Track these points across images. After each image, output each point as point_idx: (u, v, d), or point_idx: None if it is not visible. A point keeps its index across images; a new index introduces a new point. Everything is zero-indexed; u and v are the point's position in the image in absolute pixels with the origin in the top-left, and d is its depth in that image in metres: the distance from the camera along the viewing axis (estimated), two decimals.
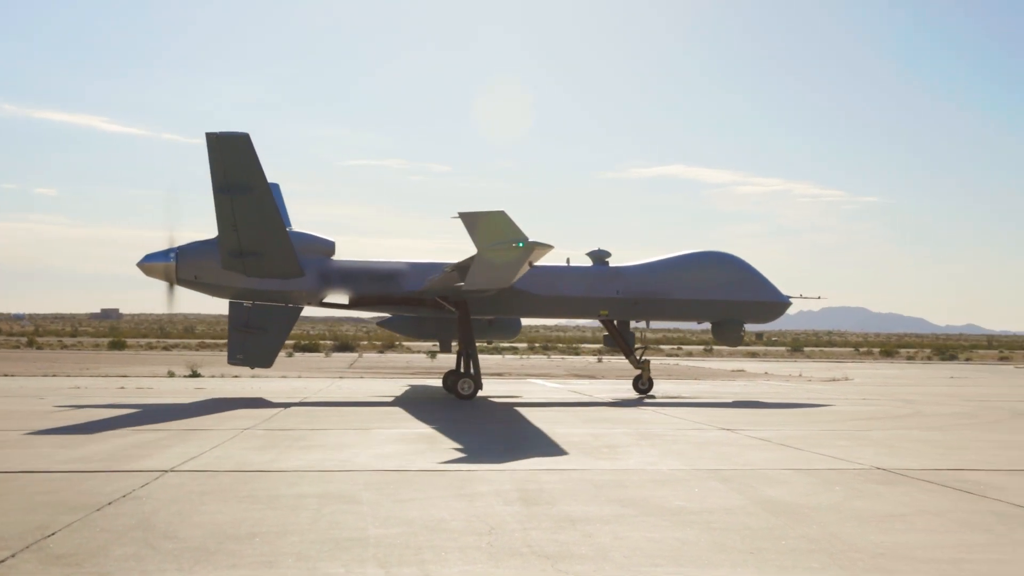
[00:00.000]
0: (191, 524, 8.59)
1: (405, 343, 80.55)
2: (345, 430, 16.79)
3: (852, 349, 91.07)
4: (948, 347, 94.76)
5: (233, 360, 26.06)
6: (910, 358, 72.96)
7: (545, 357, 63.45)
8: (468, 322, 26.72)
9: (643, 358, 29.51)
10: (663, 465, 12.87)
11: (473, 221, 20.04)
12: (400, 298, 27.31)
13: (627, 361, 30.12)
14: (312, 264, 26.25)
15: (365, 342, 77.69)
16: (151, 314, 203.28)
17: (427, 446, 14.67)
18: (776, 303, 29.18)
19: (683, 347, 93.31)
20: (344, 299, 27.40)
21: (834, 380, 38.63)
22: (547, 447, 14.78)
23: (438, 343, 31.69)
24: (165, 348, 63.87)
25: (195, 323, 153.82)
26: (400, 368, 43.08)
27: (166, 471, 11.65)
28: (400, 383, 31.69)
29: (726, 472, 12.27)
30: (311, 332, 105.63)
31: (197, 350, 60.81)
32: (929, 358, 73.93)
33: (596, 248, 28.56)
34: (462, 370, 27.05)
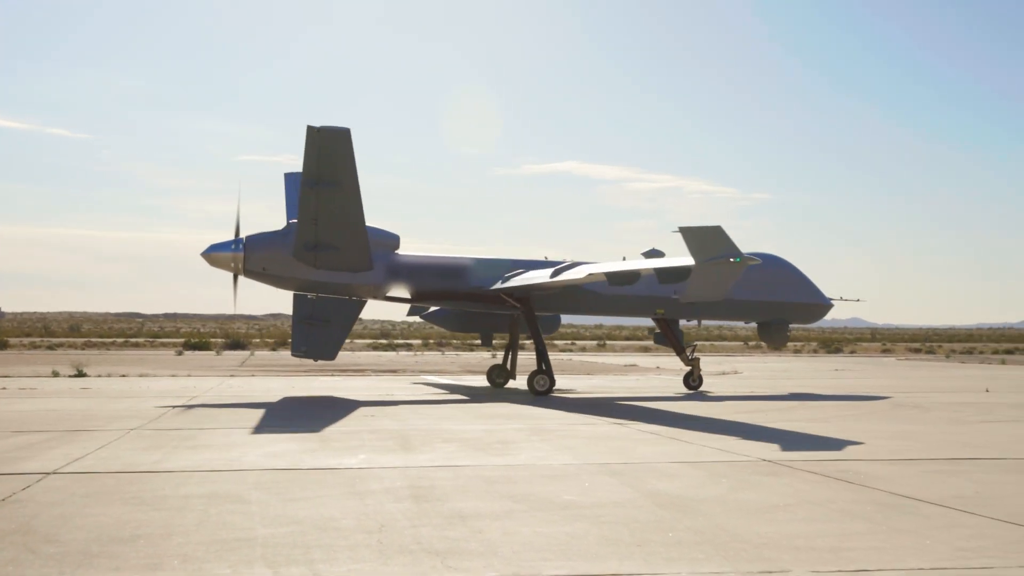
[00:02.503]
0: (73, 527, 8.39)
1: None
2: (235, 429, 16.57)
3: (742, 343, 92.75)
4: (834, 340, 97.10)
5: (297, 352, 26.33)
6: (797, 351, 74.56)
7: (440, 354, 63.41)
8: (535, 319, 27.56)
9: (693, 356, 29.99)
10: (554, 460, 12.97)
11: (692, 235, 20.52)
12: (465, 293, 27.77)
13: (678, 359, 30.69)
14: (379, 258, 26.46)
15: (257, 340, 76.63)
16: (35, 312, 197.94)
17: (319, 445, 14.56)
18: (820, 305, 30.07)
19: (576, 343, 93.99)
20: (408, 293, 27.65)
21: (724, 374, 39.30)
22: (440, 444, 14.77)
23: (480, 337, 32.24)
24: (49, 348, 62.24)
25: (80, 321, 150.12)
26: (293, 365, 42.62)
27: (48, 473, 11.37)
28: (289, 381, 31.33)
29: (616, 466, 12.41)
30: (202, 330, 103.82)
31: (83, 349, 59.39)
32: (815, 351, 75.67)
33: (651, 248, 28.64)
34: (509, 366, 29.34)
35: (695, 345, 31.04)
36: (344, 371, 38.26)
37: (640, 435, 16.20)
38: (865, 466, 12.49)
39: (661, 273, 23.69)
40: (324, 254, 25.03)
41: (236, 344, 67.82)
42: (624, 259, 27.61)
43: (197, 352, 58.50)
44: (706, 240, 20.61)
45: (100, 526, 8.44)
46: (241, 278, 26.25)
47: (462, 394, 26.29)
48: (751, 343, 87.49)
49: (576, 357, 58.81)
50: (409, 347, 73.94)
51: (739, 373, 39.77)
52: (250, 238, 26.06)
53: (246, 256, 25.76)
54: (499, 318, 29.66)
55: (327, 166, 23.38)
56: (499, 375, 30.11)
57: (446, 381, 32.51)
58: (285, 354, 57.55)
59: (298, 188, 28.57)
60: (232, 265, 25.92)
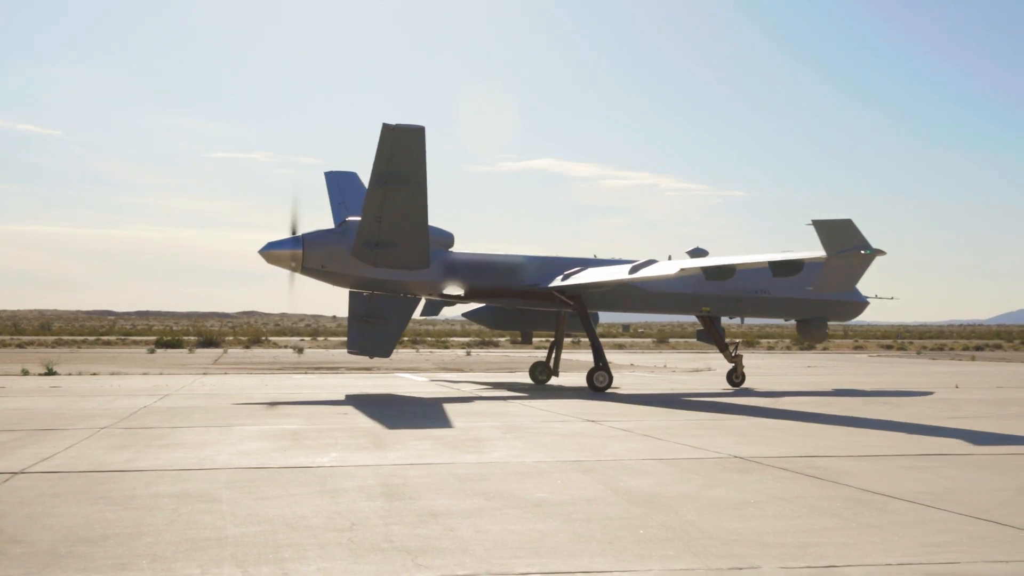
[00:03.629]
0: (41, 527, 8.34)
1: (272, 338, 79.61)
2: (206, 427, 16.49)
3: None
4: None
5: (353, 350, 26.64)
6: (770, 348, 74.92)
7: (414, 351, 63.38)
8: (588, 317, 28.06)
9: (736, 353, 30.36)
10: (527, 458, 12.98)
11: (824, 228, 20.58)
12: (520, 291, 28.04)
13: (722, 356, 31.06)
14: (435, 256, 26.58)
15: (231, 338, 76.32)
16: (4, 310, 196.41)
17: (291, 443, 14.52)
18: (857, 303, 30.70)
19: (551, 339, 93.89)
20: (462, 291, 27.78)
21: (697, 371, 39.45)
22: (413, 441, 14.75)
23: (520, 335, 32.85)
24: (19, 346, 61.80)
25: (51, 319, 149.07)
26: (266, 363, 42.50)
27: (16, 473, 11.30)
28: (262, 379, 31.23)
29: (589, 463, 12.44)
30: (175, 328, 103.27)
31: (53, 347, 59.00)
32: (788, 348, 76.05)
33: (695, 247, 29.30)
34: (552, 363, 29.95)
35: (737, 343, 31.56)
36: (318, 369, 38.16)
37: (613, 432, 16.23)
38: (834, 462, 12.56)
39: (775, 267, 23.75)
40: (384, 252, 25.17)
41: (209, 342, 67.53)
42: (669, 258, 28.27)
43: (169, 350, 58.23)
44: (837, 233, 20.70)
45: (68, 526, 8.40)
46: (298, 276, 26.33)
47: (515, 390, 26.26)
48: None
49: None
50: None
51: (712, 370, 39.91)
52: (309, 235, 26.12)
53: (305, 253, 25.79)
54: (543, 316, 30.13)
55: (398, 164, 23.46)
56: (542, 372, 30.45)
57: (421, 379, 32.47)
58: (259, 352, 57.38)
59: (340, 187, 29.63)
60: (291, 263, 25.96)
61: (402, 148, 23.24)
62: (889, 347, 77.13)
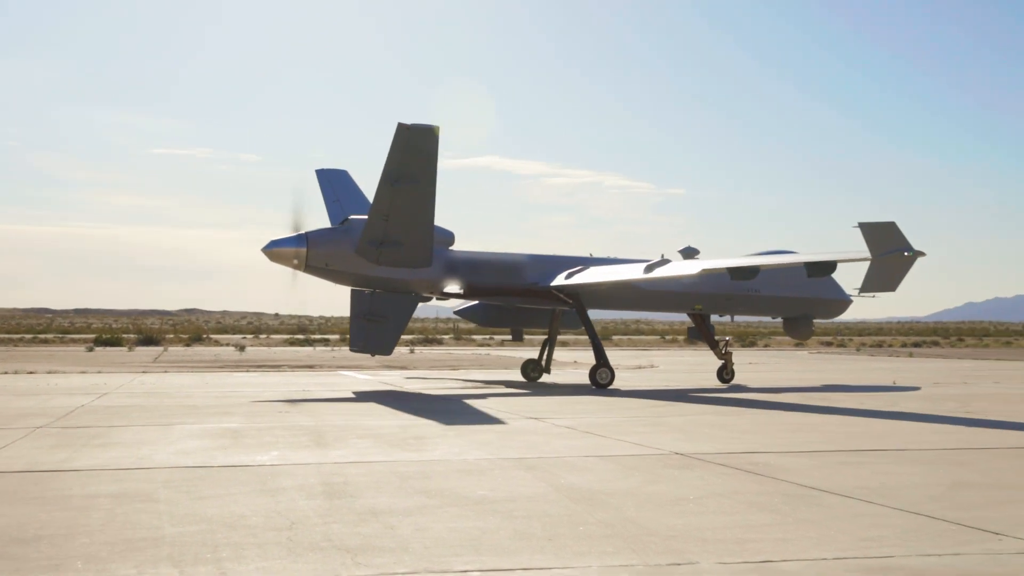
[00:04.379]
0: None
1: (214, 336, 78.90)
2: (145, 426, 16.32)
3: (659, 336, 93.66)
4: (748, 334, 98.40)
5: (355, 348, 26.51)
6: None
7: None
8: (587, 315, 28.84)
9: (726, 350, 31.03)
10: (469, 455, 12.99)
11: (869, 231, 21.08)
12: (522, 289, 28.43)
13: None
14: (436, 254, 26.67)
15: (171, 335, 75.47)
16: None
17: (231, 441, 14.40)
18: (841, 301, 31.26)
19: (495, 337, 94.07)
20: (462, 289, 28.10)
21: (640, 368, 39.65)
22: (354, 440, 14.70)
23: (511, 333, 33.92)
24: None
25: None
26: (207, 361, 42.11)
27: None
28: (203, 377, 30.94)
29: (530, 460, 12.47)
30: (114, 326, 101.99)
31: None
32: (729, 344, 76.56)
33: (686, 246, 30.01)
34: (544, 360, 30.31)
35: (728, 340, 32.19)
36: (260, 367, 37.88)
37: (555, 429, 16.28)
38: (773, 458, 12.69)
39: (810, 267, 24.12)
40: (388, 250, 25.25)
41: (149, 340, 66.72)
42: (662, 256, 29.07)
43: (108, 349, 57.44)
44: (882, 235, 21.16)
45: (0, 527, 8.27)
46: (300, 274, 26.57)
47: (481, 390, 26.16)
48: (668, 337, 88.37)
49: (494, 352, 58.97)
50: (326, 342, 73.45)
51: (655, 367, 40.15)
52: (312, 234, 26.24)
53: (309, 252, 25.91)
54: (535, 314, 30.61)
55: (410, 163, 23.65)
56: (533, 369, 30.79)
57: (364, 377, 32.36)
58: (200, 349, 56.81)
59: (333, 184, 30.13)
60: (295, 261, 26.08)
61: (415, 147, 23.44)
62: (829, 344, 78.01)
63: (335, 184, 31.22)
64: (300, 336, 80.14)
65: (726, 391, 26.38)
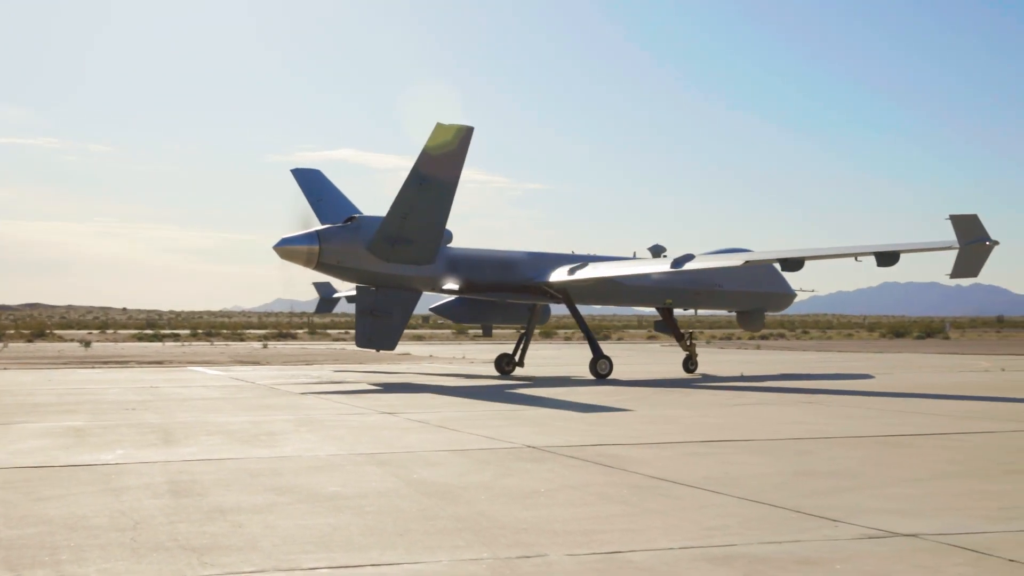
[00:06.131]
0: None
1: (57, 331, 76.42)
2: None
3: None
4: (603, 328, 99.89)
5: (361, 343, 27.11)
6: (567, 338, 76.31)
7: (208, 344, 61.90)
8: (577, 310, 30.31)
9: (691, 342, 32.86)
10: (321, 451, 12.86)
11: (958, 222, 22.75)
12: (517, 286, 29.45)
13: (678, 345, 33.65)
14: (439, 252, 27.52)
15: (12, 331, 72.76)
16: None
17: (75, 440, 13.96)
18: (788, 294, 33.40)
19: (350, 331, 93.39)
20: (459, 285, 28.84)
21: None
22: (203, 437, 14.41)
23: (482, 328, 35.86)
24: None
25: None
26: (51, 358, 40.76)
27: None
28: (45, 374, 29.94)
29: (384, 455, 12.41)
30: None
31: None
32: (582, 339, 77.71)
33: (654, 244, 31.82)
34: (518, 355, 31.15)
35: (692, 332, 33.73)
36: (107, 363, 36.83)
37: (409, 424, 16.26)
38: (624, 450, 12.91)
39: (880, 257, 25.35)
40: (400, 247, 25.89)
41: None
42: (634, 254, 31.55)
43: None
44: (969, 226, 22.83)
45: None
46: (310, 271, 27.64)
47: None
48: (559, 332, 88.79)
49: (349, 346, 58.45)
50: (177, 337, 71.90)
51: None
52: (323, 231, 26.87)
53: (322, 249, 26.46)
54: (512, 310, 31.56)
55: (441, 162, 24.51)
56: (507, 363, 31.39)
57: (214, 372, 31.75)
58: (43, 345, 54.93)
59: (311, 184, 31.11)
60: (307, 258, 26.48)
61: (450, 146, 24.34)
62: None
63: (313, 184, 31.61)
64: (149, 331, 78.27)
65: (595, 383, 26.67)
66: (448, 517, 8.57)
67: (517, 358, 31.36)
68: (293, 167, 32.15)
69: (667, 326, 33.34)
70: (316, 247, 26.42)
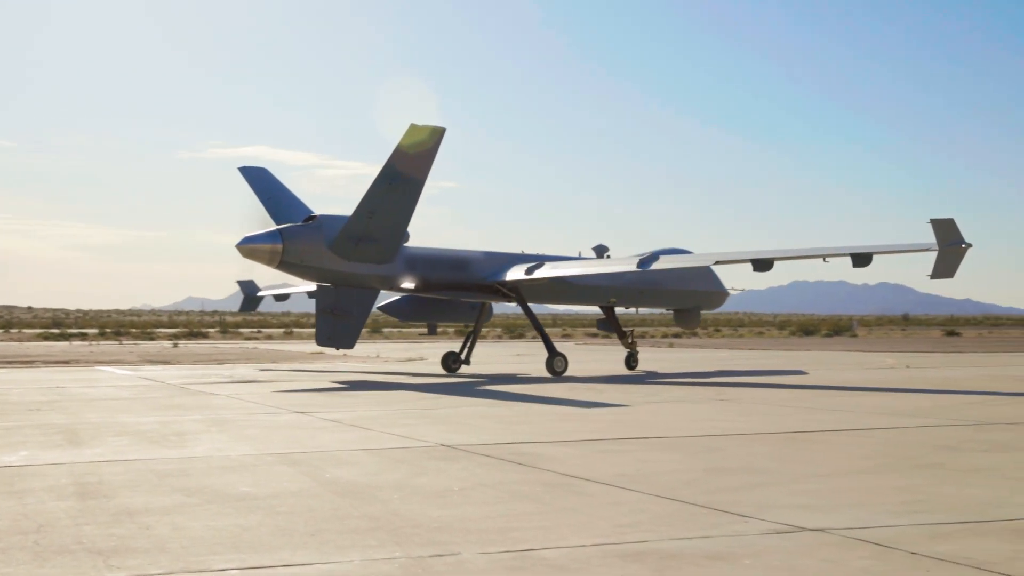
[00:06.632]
0: None
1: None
2: None
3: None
4: (516, 325, 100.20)
5: (321, 342, 27.14)
6: (482, 337, 76.37)
7: (117, 343, 60.81)
8: (530, 308, 30.91)
9: (632, 339, 33.56)
10: (232, 451, 12.70)
11: (937, 226, 23.67)
12: (472, 285, 29.84)
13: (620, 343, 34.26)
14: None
15: None
16: None
17: None
18: (722, 292, 34.59)
19: (263, 330, 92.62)
20: (415, 284, 29.05)
21: (410, 360, 39.73)
22: (111, 438, 14.13)
23: (427, 327, 36.51)
24: None
25: None
26: None
27: None
28: None
29: (296, 455, 12.30)
30: None
31: None
32: (499, 337, 77.95)
33: (598, 244, 32.75)
34: (465, 353, 31.38)
35: (632, 330, 34.43)
36: (11, 363, 35.97)
37: (322, 423, 16.13)
38: (538, 448, 12.94)
39: (855, 258, 26.03)
40: (362, 246, 26.01)
41: None
42: (579, 254, 32.21)
43: None
44: (947, 230, 23.75)
45: None
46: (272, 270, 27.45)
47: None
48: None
49: (262, 345, 57.93)
50: (84, 336, 70.55)
51: (424, 359, 40.29)
52: (285, 230, 26.89)
53: (285, 247, 26.42)
54: (460, 308, 32.12)
55: (412, 162, 24.74)
56: (454, 361, 31.52)
57: (124, 372, 31.18)
58: None
59: (260, 183, 30.76)
60: (270, 257, 26.40)
61: (422, 147, 24.55)
62: (594, 335, 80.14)
63: (262, 182, 31.28)
64: (55, 330, 76.70)
65: (550, 381, 26.71)
66: (361, 516, 8.51)
67: (464, 356, 31.68)
68: (240, 165, 31.83)
69: (610, 324, 33.91)
70: (279, 246, 26.41)
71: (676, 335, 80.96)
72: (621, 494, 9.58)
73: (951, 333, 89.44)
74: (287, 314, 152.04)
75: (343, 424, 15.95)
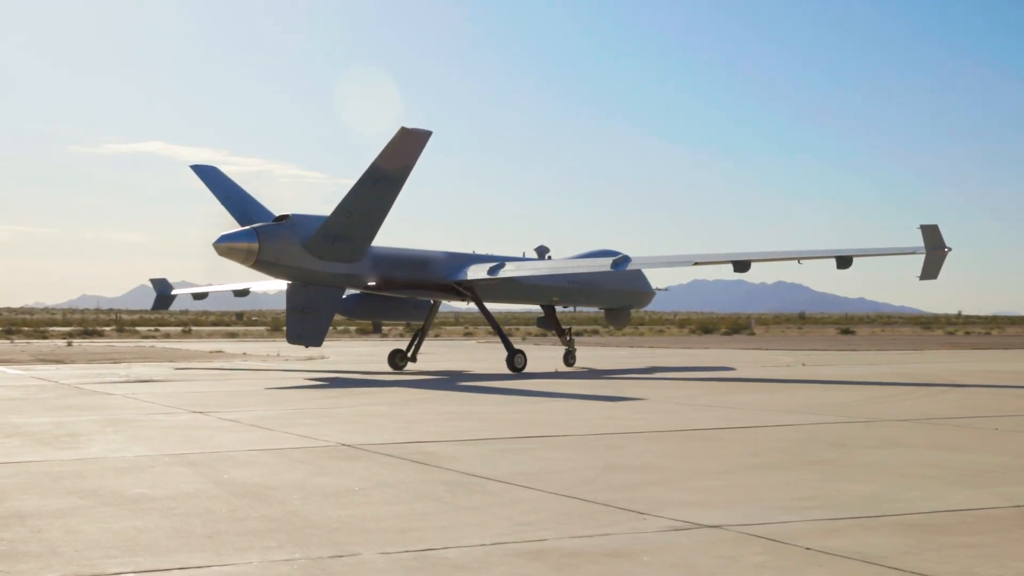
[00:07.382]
0: None
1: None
2: None
3: (332, 328, 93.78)
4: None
5: (293, 340, 27.44)
6: (437, 335, 76.02)
7: (8, 342, 59.27)
8: (485, 307, 31.80)
9: (570, 337, 34.66)
10: (128, 452, 12.49)
11: (927, 231, 25.22)
12: (433, 284, 30.49)
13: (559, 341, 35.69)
14: None
15: None
16: None
17: None
18: (651, 292, 35.79)
19: (160, 328, 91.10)
20: (378, 282, 29.46)
21: (311, 359, 39.41)
22: (1, 439, 13.80)
23: (372, 325, 38.32)
24: None
25: None
26: None
27: None
28: None
29: (193, 456, 12.14)
30: None
31: None
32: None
33: (540, 244, 33.40)
34: (410, 353, 32.10)
35: (570, 328, 35.79)
36: None
37: (220, 423, 15.94)
38: (439, 447, 12.96)
39: (840, 260, 27.03)
40: (336, 246, 26.30)
41: None
42: (523, 254, 32.91)
43: None
44: (933, 235, 25.35)
45: None
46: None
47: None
48: (339, 328, 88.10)
49: (160, 344, 56.95)
50: None
51: (325, 358, 40.01)
52: (261, 228, 26.98)
53: (261, 246, 26.52)
54: (409, 306, 32.75)
55: (398, 164, 25.20)
56: (401, 358, 32.07)
57: (15, 372, 30.41)
58: None
59: (215, 182, 30.44)
60: (246, 255, 26.66)
61: (409, 150, 25.04)
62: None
63: (216, 181, 30.89)
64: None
65: (510, 377, 26.64)
66: (259, 518, 8.44)
67: (410, 354, 32.21)
68: (192, 164, 31.58)
69: (550, 323, 34.60)
70: (256, 244, 26.53)
71: (578, 334, 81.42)
72: (521, 492, 9.65)
73: (846, 331, 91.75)
74: (185, 312, 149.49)
75: (242, 424, 15.78)
